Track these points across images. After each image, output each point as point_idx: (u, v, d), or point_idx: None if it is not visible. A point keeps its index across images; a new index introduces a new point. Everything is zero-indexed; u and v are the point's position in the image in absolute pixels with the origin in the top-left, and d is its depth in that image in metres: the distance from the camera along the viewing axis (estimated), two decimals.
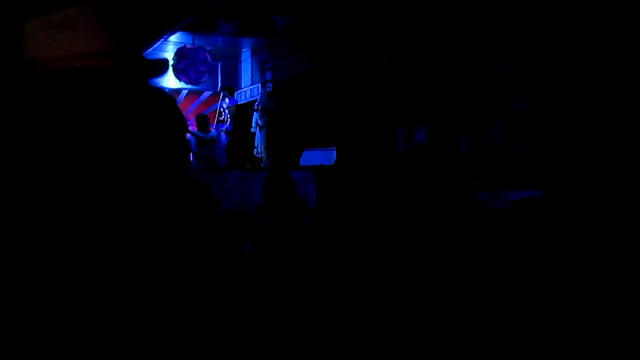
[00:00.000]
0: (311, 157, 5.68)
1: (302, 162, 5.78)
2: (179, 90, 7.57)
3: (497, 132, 5.02)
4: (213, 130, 6.64)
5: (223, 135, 7.89)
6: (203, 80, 7.11)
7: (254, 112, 6.75)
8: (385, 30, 4.84)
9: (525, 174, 4.23)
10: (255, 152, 6.65)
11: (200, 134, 6.23)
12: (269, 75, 6.62)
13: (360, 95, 4.90)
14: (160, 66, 0.77)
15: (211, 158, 6.07)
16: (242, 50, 7.63)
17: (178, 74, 6.74)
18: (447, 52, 4.73)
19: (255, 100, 6.86)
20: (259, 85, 6.99)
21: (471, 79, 4.87)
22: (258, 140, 6.64)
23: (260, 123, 6.52)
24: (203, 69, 6.48)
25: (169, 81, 7.44)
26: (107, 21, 0.64)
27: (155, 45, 6.12)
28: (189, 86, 7.41)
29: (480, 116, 4.98)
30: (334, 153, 5.49)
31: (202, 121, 6.37)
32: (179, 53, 6.68)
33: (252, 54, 7.28)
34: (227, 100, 7.93)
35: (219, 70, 7.81)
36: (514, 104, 4.92)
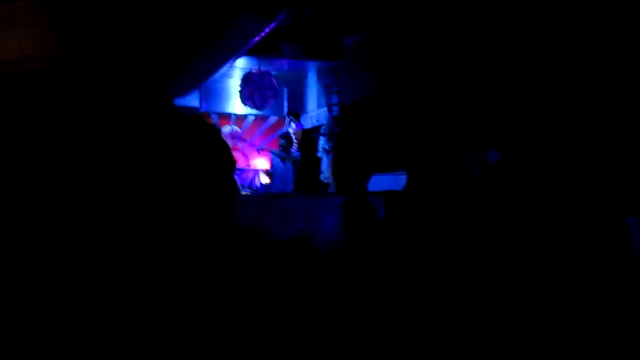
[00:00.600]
0: (380, 183, 5.48)
1: (370, 188, 5.59)
2: (244, 116, 7.64)
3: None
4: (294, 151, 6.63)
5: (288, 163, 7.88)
6: (268, 105, 7.13)
7: (320, 137, 6.66)
8: (452, 46, 4.62)
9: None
10: (322, 177, 6.53)
11: (283, 153, 6.27)
12: (334, 99, 6.53)
13: (430, 116, 4.70)
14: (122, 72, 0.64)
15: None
16: (308, 73, 7.62)
17: (244, 100, 6.80)
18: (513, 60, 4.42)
19: (322, 125, 6.78)
20: (325, 109, 6.92)
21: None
22: (325, 165, 6.53)
23: (327, 147, 6.42)
24: (269, 93, 6.49)
25: (236, 107, 7.54)
26: (53, 20, 0.52)
27: (221, 72, 6.20)
28: (255, 111, 7.48)
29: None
30: (403, 178, 5.27)
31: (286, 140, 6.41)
32: (245, 78, 6.74)
33: (318, 77, 7.24)
34: (293, 125, 7.92)
35: (285, 95, 7.83)
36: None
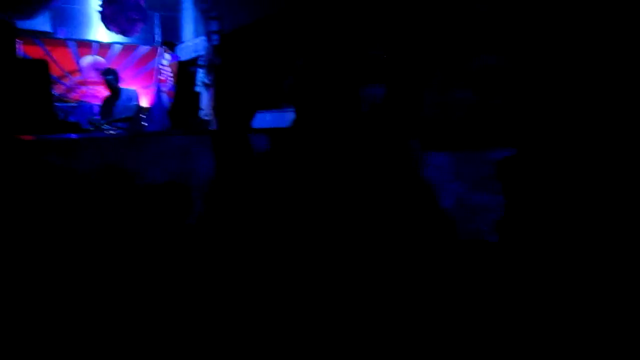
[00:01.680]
0: (264, 120, 5.18)
1: (254, 125, 5.28)
2: (109, 45, 6.85)
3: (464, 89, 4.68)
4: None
5: (164, 96, 7.27)
6: (137, 31, 6.41)
7: (198, 69, 6.14)
8: None
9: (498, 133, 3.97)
10: (201, 114, 6.07)
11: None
12: (214, 26, 5.98)
13: (318, 47, 4.46)
14: None
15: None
16: None
17: (106, 22, 6.02)
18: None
19: (200, 56, 6.24)
20: (204, 38, 6.35)
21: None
22: (204, 100, 6.06)
23: (206, 81, 5.93)
24: (135, 16, 5.79)
25: (99, 34, 6.72)
26: None
27: None
28: (121, 38, 6.72)
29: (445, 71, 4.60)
30: (290, 115, 5.06)
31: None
32: None
33: (195, 1, 6.61)
34: (167, 56, 7.29)
35: (157, 21, 7.10)
36: (482, 58, 4.56)
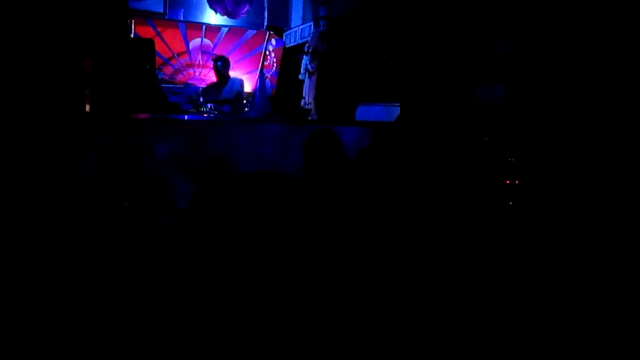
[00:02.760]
0: (367, 113, 4.94)
1: (357, 117, 5.07)
2: (217, 28, 6.94)
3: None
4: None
5: (267, 82, 7.26)
6: (243, 12, 6.42)
7: (304, 56, 6.02)
8: None
9: None
10: (302, 103, 5.96)
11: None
12: (322, 11, 5.82)
13: (434, 38, 4.16)
14: None
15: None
16: None
17: (212, 2, 6.05)
18: None
19: (306, 42, 6.11)
20: (311, 24, 6.22)
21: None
22: (306, 88, 5.94)
23: (310, 68, 5.79)
24: None
25: (209, 16, 6.82)
26: None
27: None
28: (229, 22, 6.79)
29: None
30: (395, 110, 4.80)
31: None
32: None
33: None
34: (273, 42, 7.27)
35: (265, 5, 7.09)
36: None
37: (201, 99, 5.46)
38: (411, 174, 3.11)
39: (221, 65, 5.60)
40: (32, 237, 2.69)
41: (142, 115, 3.96)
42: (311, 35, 5.99)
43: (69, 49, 3.56)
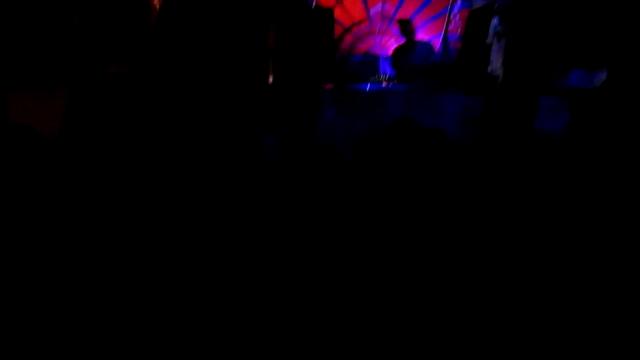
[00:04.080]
0: (567, 80, 4.48)
1: (554, 84, 4.63)
2: None
3: None
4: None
5: (451, 48, 6.98)
6: None
7: (493, 18, 5.63)
8: None
9: None
10: (489, 70, 5.60)
11: None
12: None
13: None
14: None
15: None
16: None
17: None
18: None
19: (495, 2, 5.70)
20: None
21: None
22: (495, 54, 5.55)
23: (499, 30, 5.40)
24: None
25: None
26: None
27: None
28: None
29: None
30: (601, 75, 4.26)
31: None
32: None
33: None
34: (458, 3, 6.93)
35: None
36: None
37: (387, 68, 5.46)
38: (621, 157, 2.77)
39: (410, 28, 5.52)
40: (204, 198, 2.90)
41: (323, 86, 4.06)
42: None
43: (256, 25, 3.78)
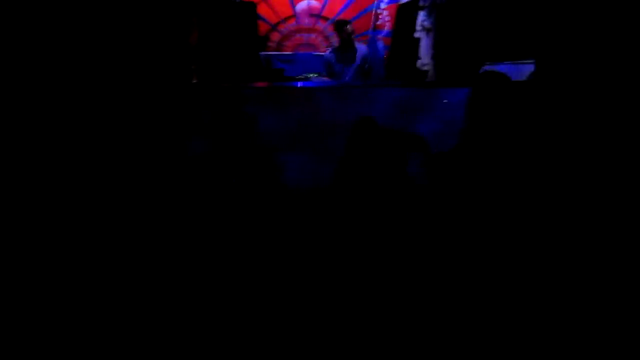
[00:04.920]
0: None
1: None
2: None
3: None
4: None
5: (380, 44, 7.00)
6: None
7: (420, 12, 5.67)
8: None
9: None
10: (419, 64, 5.63)
11: None
12: None
13: None
14: None
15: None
16: None
17: None
18: None
19: None
20: None
21: None
22: (424, 48, 5.59)
23: (426, 24, 5.44)
24: None
25: None
26: None
27: None
28: None
29: None
30: (528, 68, 4.35)
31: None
32: None
33: None
34: None
35: None
36: None
37: (336, 67, 5.39)
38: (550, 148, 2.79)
39: (351, 29, 5.49)
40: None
41: (246, 84, 3.93)
42: None
43: (177, 21, 3.59)
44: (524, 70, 4.13)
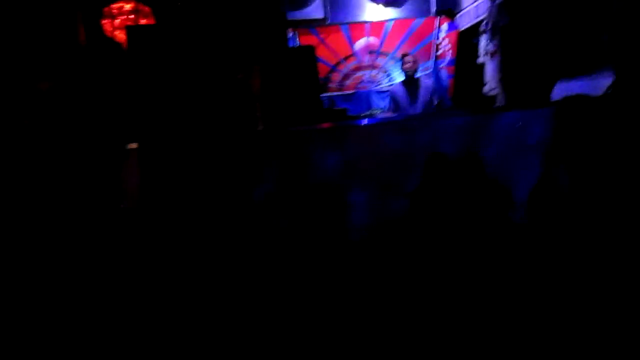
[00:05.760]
0: (568, 90, 4.38)
1: (554, 96, 4.53)
2: (382, 23, 6.82)
3: None
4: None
5: (444, 72, 6.96)
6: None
7: (481, 36, 5.61)
8: None
9: None
10: (485, 89, 5.54)
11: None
12: None
13: None
14: None
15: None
16: None
17: None
18: None
19: (483, 21, 5.70)
20: None
21: None
22: (489, 72, 5.50)
23: (490, 49, 5.36)
24: None
25: (371, 13, 6.74)
26: None
27: None
28: (392, 12, 6.64)
29: None
30: (605, 81, 4.16)
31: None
32: None
33: None
34: (445, 27, 6.94)
35: None
36: None
37: (401, 101, 5.40)
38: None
39: (413, 60, 5.45)
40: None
41: (317, 126, 3.98)
42: (488, 10, 5.56)
43: (240, 71, 3.72)
44: (600, 84, 3.97)
